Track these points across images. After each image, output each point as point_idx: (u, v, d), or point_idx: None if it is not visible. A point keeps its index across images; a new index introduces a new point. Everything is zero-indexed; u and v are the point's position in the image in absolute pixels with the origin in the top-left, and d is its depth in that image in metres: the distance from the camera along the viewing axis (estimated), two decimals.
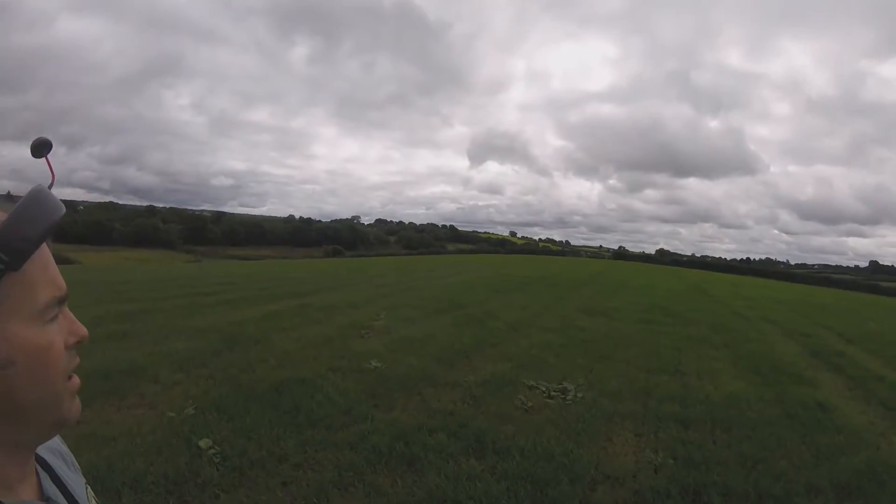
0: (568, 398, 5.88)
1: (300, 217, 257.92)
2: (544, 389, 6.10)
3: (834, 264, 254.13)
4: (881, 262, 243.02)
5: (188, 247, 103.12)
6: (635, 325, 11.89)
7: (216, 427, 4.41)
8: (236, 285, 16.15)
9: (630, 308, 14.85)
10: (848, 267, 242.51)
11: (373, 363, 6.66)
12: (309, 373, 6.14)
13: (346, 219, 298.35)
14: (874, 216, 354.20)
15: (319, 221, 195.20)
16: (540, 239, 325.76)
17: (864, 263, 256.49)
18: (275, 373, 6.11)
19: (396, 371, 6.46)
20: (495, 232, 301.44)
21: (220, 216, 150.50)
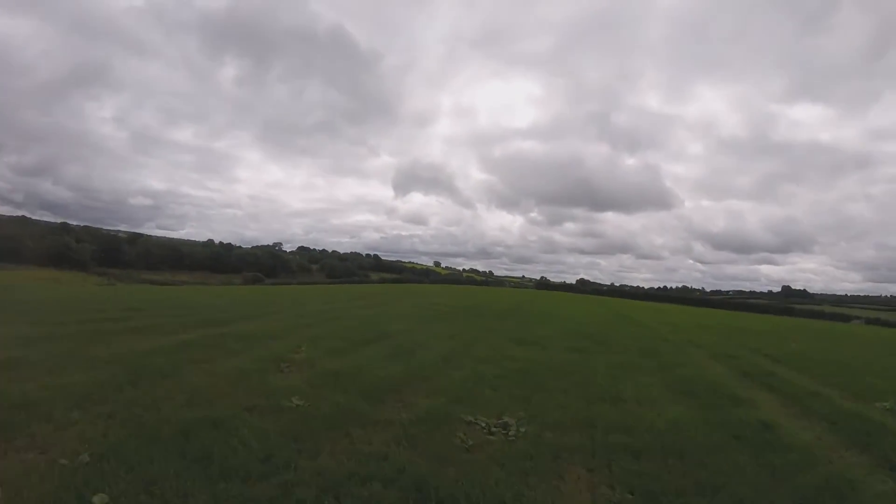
0: (510, 433, 5.36)
1: (220, 242, 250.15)
2: (484, 425, 5.55)
3: (748, 290, 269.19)
4: (793, 287, 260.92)
5: (101, 269, 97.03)
6: (567, 353, 11.58)
7: (113, 479, 3.73)
8: (147, 311, 15.19)
9: (559, 336, 14.66)
10: (762, 292, 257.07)
11: (294, 401, 5.93)
12: (223, 412, 5.34)
13: (268, 245, 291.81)
14: (784, 245, 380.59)
15: (240, 247, 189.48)
16: (464, 269, 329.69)
17: (776, 288, 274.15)
18: (183, 412, 5.31)
19: (321, 409, 5.76)
20: (419, 262, 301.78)
21: (136, 237, 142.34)
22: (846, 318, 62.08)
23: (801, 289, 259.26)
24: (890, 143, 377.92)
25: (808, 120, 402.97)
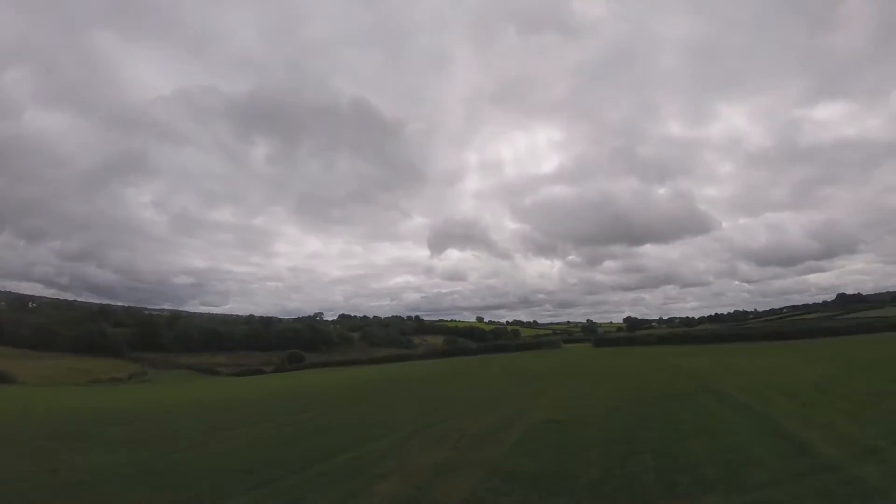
0: None
1: (261, 317, 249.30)
2: None
3: (801, 304, 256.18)
4: (846, 293, 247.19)
5: (137, 353, 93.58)
6: None
7: None
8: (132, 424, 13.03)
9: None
10: (815, 304, 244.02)
11: None
12: None
13: (309, 316, 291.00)
14: (829, 250, 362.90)
15: (280, 321, 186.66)
16: (508, 322, 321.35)
17: (829, 297, 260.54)
18: None
19: None
20: (461, 319, 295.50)
21: (176, 319, 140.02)
22: None
23: (856, 292, 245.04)
24: None
25: (832, 118, 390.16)
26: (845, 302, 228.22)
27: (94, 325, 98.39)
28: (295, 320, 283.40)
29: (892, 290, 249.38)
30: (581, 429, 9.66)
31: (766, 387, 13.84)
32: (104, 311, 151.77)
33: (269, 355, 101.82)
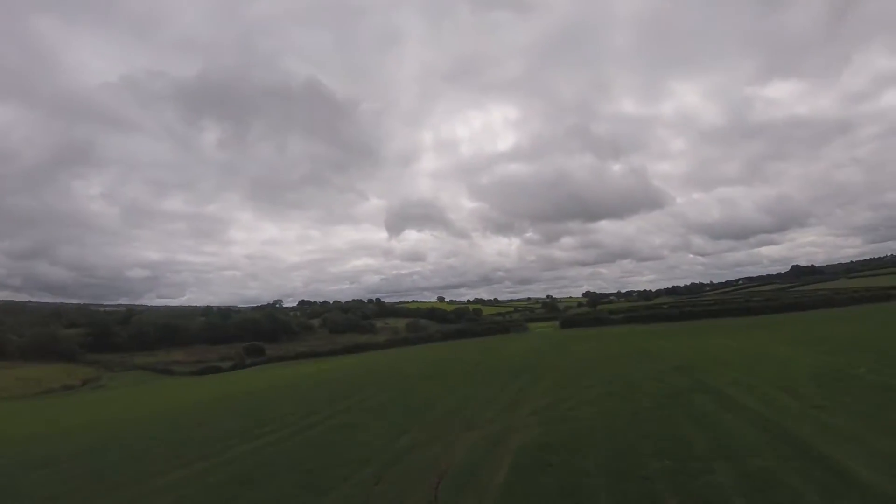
0: None
1: (219, 307, 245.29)
2: None
3: (755, 276, 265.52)
4: (801, 265, 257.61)
5: (91, 356, 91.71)
6: None
7: None
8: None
9: None
10: (770, 275, 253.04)
11: None
12: None
13: (269, 304, 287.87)
14: (781, 224, 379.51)
15: (239, 311, 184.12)
16: (469, 300, 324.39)
17: (780, 268, 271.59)
18: None
19: None
20: (422, 299, 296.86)
21: (129, 316, 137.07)
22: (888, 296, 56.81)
23: (809, 264, 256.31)
24: (866, 103, 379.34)
25: (784, 97, 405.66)
26: (800, 274, 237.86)
27: (45, 328, 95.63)
28: (254, 309, 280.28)
29: (843, 261, 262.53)
30: (580, 458, 8.28)
31: (761, 381, 13.05)
32: (57, 313, 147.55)
33: (228, 348, 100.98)
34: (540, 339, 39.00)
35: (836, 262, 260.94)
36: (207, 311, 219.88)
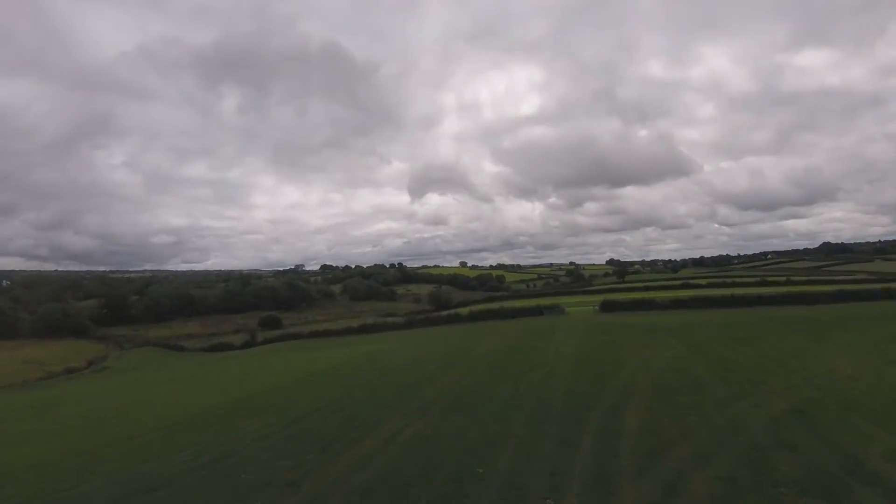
0: None
1: (241, 272, 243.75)
2: None
3: (782, 249, 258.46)
4: (825, 239, 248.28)
5: (104, 330, 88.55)
6: None
7: None
8: None
9: None
10: (797, 250, 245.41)
11: None
12: None
13: (291, 268, 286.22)
14: (809, 197, 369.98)
15: (260, 277, 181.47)
16: (491, 265, 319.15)
17: (806, 243, 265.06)
18: None
19: None
20: (445, 264, 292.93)
21: (147, 285, 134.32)
22: None
23: (838, 241, 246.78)
24: None
25: (816, 65, 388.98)
26: (830, 251, 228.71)
27: (56, 304, 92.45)
28: (276, 274, 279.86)
29: (871, 240, 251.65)
30: None
31: None
32: (76, 284, 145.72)
33: (245, 318, 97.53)
34: (583, 332, 31.75)
35: (863, 241, 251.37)
36: (229, 276, 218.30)
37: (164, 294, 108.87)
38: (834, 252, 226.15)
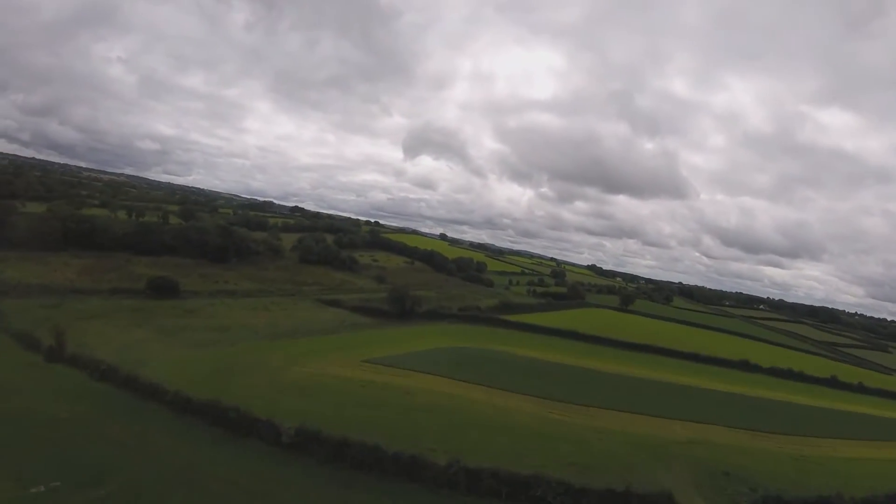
0: None
1: (205, 194, 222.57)
2: None
3: (750, 294, 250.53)
4: (814, 305, 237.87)
5: None
6: None
7: None
8: None
9: None
10: (771, 299, 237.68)
11: None
12: None
13: (266, 200, 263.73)
14: (793, 250, 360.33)
15: (231, 202, 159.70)
16: (471, 243, 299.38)
17: (778, 293, 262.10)
18: None
19: None
20: (424, 229, 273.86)
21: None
22: None
23: (809, 304, 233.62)
24: None
25: (836, 125, 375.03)
26: (806, 313, 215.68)
27: None
28: (249, 204, 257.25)
29: (838, 307, 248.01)
30: None
31: None
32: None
33: (154, 263, 76.58)
34: None
35: (830, 306, 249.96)
36: (184, 200, 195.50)
37: (55, 217, 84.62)
38: (806, 314, 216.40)
